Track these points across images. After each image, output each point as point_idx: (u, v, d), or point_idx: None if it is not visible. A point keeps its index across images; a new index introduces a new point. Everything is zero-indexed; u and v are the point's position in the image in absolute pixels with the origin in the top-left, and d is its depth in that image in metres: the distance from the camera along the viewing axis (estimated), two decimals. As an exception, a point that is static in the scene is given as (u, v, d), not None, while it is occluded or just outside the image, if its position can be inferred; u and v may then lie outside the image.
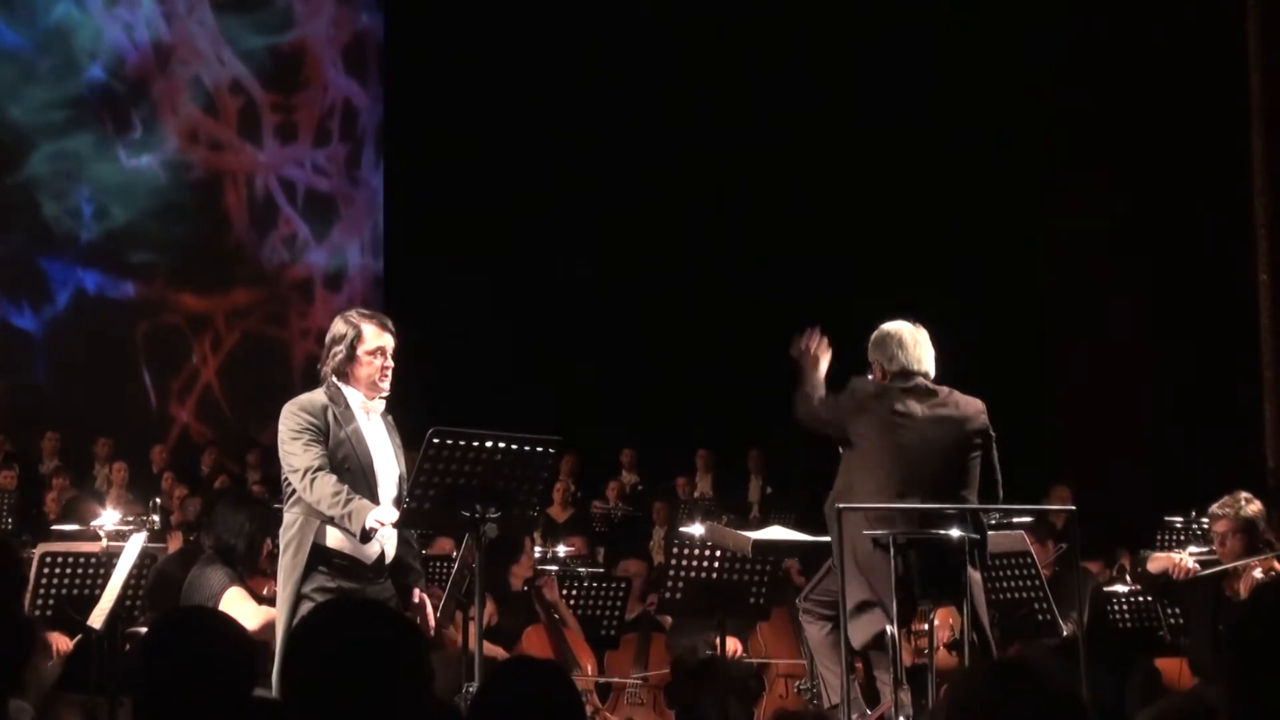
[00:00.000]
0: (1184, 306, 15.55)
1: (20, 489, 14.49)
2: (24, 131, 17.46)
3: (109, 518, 8.04)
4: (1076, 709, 3.04)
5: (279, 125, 19.31)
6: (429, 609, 6.78)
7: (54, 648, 7.91)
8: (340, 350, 6.60)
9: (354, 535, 6.33)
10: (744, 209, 18.24)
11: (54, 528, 9.79)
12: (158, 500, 13.33)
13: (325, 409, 6.52)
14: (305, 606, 6.34)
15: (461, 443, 6.16)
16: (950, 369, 7.05)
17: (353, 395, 6.60)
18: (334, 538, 6.43)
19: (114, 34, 18.13)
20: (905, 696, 6.78)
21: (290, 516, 6.52)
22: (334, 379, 6.62)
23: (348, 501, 6.30)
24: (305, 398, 6.61)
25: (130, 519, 8.57)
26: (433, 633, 7.04)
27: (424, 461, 6.15)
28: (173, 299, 18.45)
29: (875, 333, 7.07)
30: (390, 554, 6.57)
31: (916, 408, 6.82)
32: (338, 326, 6.67)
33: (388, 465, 6.63)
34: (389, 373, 6.63)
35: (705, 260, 18.11)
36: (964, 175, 17.18)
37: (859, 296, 14.12)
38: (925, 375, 6.95)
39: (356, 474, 6.47)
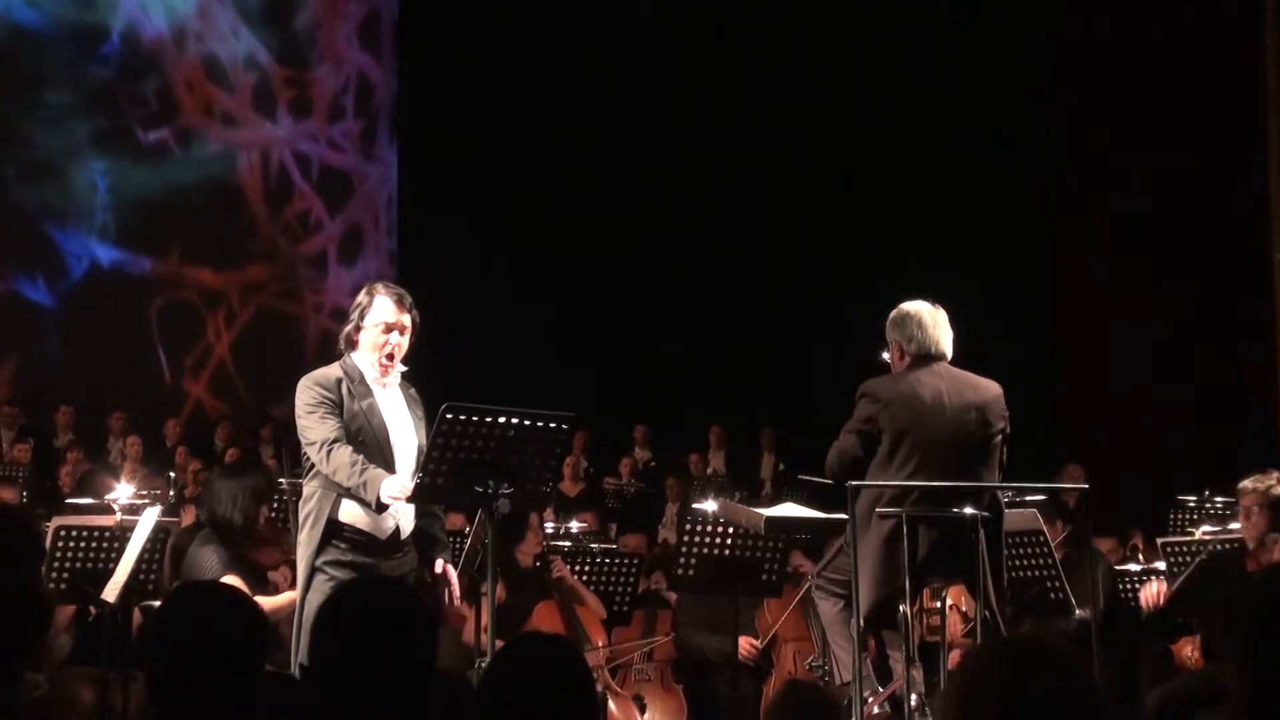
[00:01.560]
0: (1198, 286, 15.53)
1: (35, 462, 14.52)
2: (40, 106, 17.46)
3: (123, 491, 8.05)
4: (1088, 688, 3.04)
5: (293, 101, 19.31)
6: (453, 580, 6.75)
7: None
8: (353, 318, 6.63)
9: (370, 505, 6.34)
10: (757, 193, 18.22)
11: (68, 501, 9.81)
12: (173, 475, 13.39)
13: (340, 382, 6.52)
14: (319, 579, 6.38)
15: (474, 418, 6.16)
16: (963, 348, 7.02)
17: (366, 367, 6.60)
18: (349, 512, 6.43)
19: (130, 10, 18.13)
20: (917, 674, 6.78)
21: (309, 490, 6.54)
22: (346, 350, 6.64)
23: (363, 471, 6.31)
24: (320, 372, 6.61)
25: (145, 493, 8.59)
26: (457, 602, 7.01)
27: (437, 437, 6.15)
28: (187, 274, 18.47)
29: (895, 312, 7.01)
30: (407, 529, 6.56)
31: (940, 394, 6.77)
32: (359, 295, 6.71)
33: (405, 437, 6.61)
34: (399, 349, 6.61)
35: (720, 235, 18.10)
36: (982, 152, 17.18)
37: (875, 270, 14.14)
38: (944, 357, 6.92)
39: (371, 446, 6.46)
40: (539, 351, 17.54)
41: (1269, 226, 14.80)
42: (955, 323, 7.01)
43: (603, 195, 18.13)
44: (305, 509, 6.54)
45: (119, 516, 7.47)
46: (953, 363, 6.96)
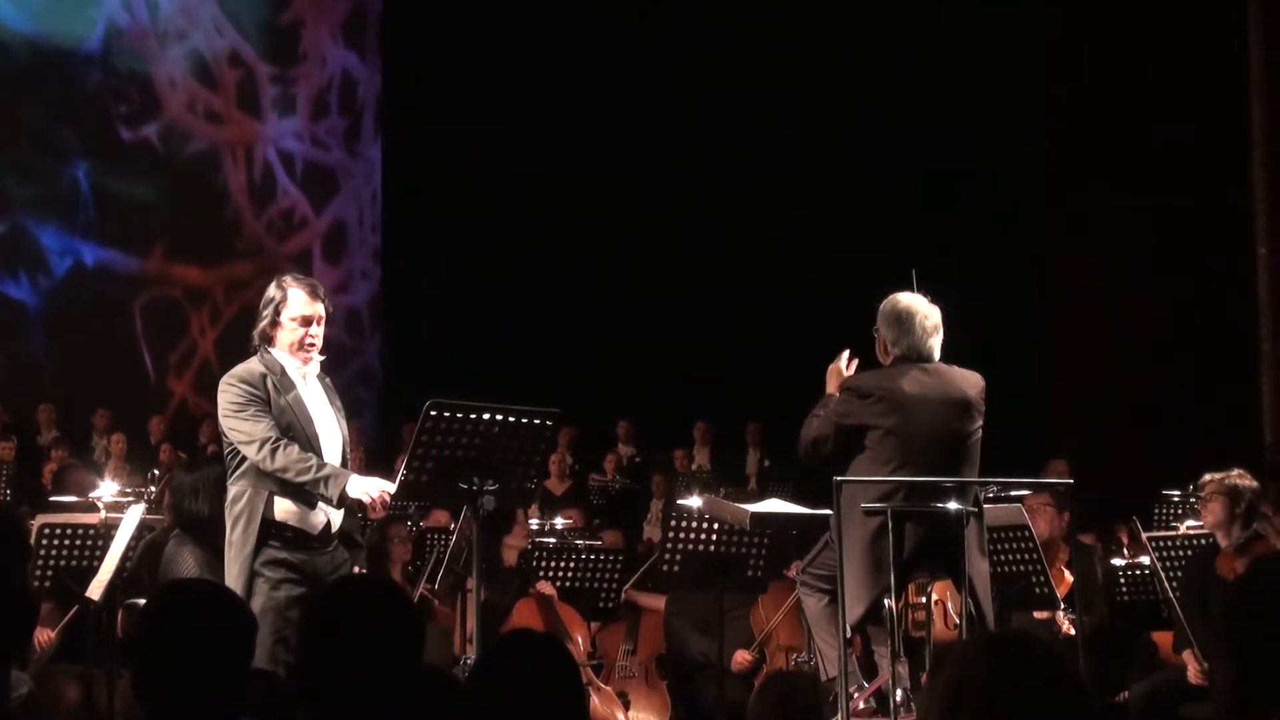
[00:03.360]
0: (1183, 280, 15.57)
1: (18, 460, 14.49)
2: (22, 102, 17.40)
3: (107, 489, 8.02)
4: (1074, 682, 3.04)
5: (278, 98, 19.29)
6: None
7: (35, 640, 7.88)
8: (267, 314, 6.54)
9: (330, 502, 6.30)
10: (749, 187, 18.22)
11: (53, 499, 9.79)
12: (155, 472, 13.35)
13: (264, 377, 6.45)
14: (260, 584, 6.31)
15: (459, 415, 6.15)
16: (951, 342, 6.97)
17: (287, 360, 6.52)
18: (281, 509, 6.37)
19: (113, 7, 18.08)
20: (903, 669, 6.78)
21: (236, 489, 6.44)
22: (262, 345, 6.55)
23: (320, 467, 6.28)
24: (242, 368, 6.51)
25: (128, 490, 8.56)
26: None
27: (421, 434, 6.13)
28: (171, 271, 18.44)
29: (888, 304, 6.87)
30: (337, 523, 6.50)
31: (926, 391, 6.72)
32: (269, 290, 6.59)
33: (330, 429, 6.56)
34: (315, 340, 6.54)
35: (706, 233, 18.11)
36: (968, 155, 17.21)
37: (862, 266, 14.15)
38: (929, 360, 6.81)
39: (300, 440, 6.40)
40: (523, 347, 17.54)
41: (1253, 221, 14.85)
42: (945, 317, 6.91)
43: (589, 191, 18.13)
44: (234, 510, 6.43)
45: (103, 514, 7.45)
46: (943, 353, 6.89)
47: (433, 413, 6.11)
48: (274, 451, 6.30)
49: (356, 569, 6.65)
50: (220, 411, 6.50)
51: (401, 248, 19.14)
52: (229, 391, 6.45)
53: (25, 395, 16.69)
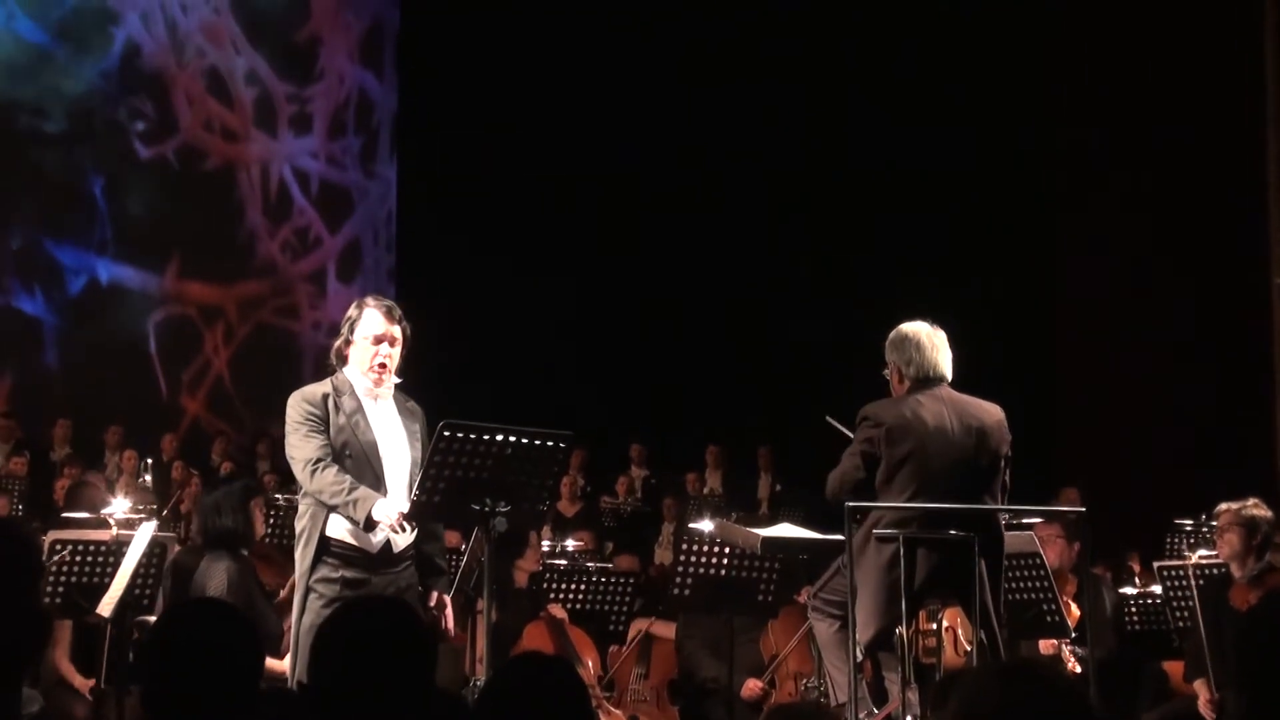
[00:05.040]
0: (1198, 310, 15.53)
1: (31, 475, 14.50)
2: (40, 119, 17.45)
3: (119, 505, 8.04)
4: (1084, 711, 3.03)
5: (294, 116, 19.32)
6: (449, 612, 6.72)
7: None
8: (343, 332, 6.66)
9: (358, 524, 6.33)
10: (757, 212, 18.24)
11: (64, 515, 9.79)
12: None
13: (326, 397, 6.52)
14: (311, 599, 6.38)
15: (472, 436, 6.15)
16: (963, 370, 7.00)
17: (357, 380, 6.60)
18: (338, 527, 6.43)
19: (131, 23, 18.13)
20: (913, 695, 6.76)
21: (302, 506, 6.56)
22: (338, 365, 6.65)
23: (351, 490, 6.31)
24: (308, 388, 6.61)
25: (140, 507, 8.57)
26: (451, 636, 6.98)
27: (434, 454, 6.13)
28: (185, 289, 18.45)
29: (893, 333, 6.99)
30: (401, 544, 6.52)
31: (939, 418, 6.75)
32: (350, 309, 6.72)
33: (396, 450, 6.59)
34: (388, 361, 6.59)
35: (718, 256, 18.11)
36: (986, 182, 17.22)
37: (875, 294, 14.14)
38: (943, 380, 6.89)
39: (359, 460, 6.46)
40: (537, 369, 17.54)
41: (1269, 251, 14.82)
42: (954, 344, 6.99)
43: (602, 213, 18.15)
44: (300, 525, 6.55)
45: (115, 531, 7.46)
46: (952, 384, 6.94)
47: (446, 433, 6.12)
48: (313, 473, 6.40)
49: (435, 594, 6.68)
50: (286, 427, 6.60)
51: (416, 268, 19.16)
52: (290, 409, 6.58)
53: (38, 411, 16.71)
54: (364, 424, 6.54)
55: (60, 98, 17.55)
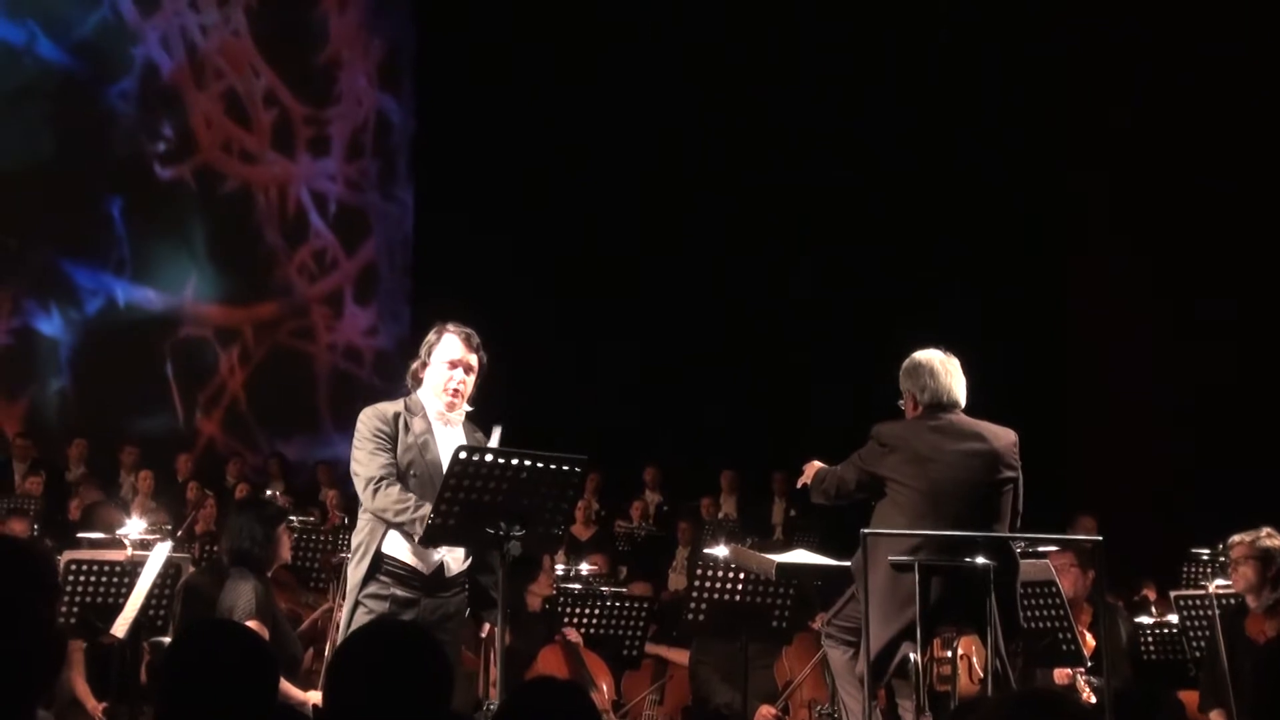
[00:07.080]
0: (1211, 337, 15.51)
1: (46, 495, 14.52)
2: (58, 141, 17.50)
3: (134, 526, 8.04)
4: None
5: (312, 138, 19.37)
6: (495, 645, 6.71)
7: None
8: (421, 355, 6.75)
9: (419, 542, 6.36)
10: (770, 236, 18.26)
11: (79, 535, 9.81)
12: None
13: (397, 416, 6.59)
14: (359, 613, 6.42)
15: (487, 459, 6.15)
16: (978, 398, 7.01)
17: (430, 402, 6.66)
18: (393, 545, 6.46)
19: (151, 44, 18.20)
20: (927, 723, 6.75)
21: (361, 521, 6.59)
22: (413, 386, 6.72)
23: (417, 507, 6.34)
24: (381, 405, 6.70)
25: (155, 527, 8.57)
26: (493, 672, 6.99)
27: (449, 477, 6.12)
28: (202, 310, 18.49)
29: (907, 361, 7.02)
30: (455, 568, 6.55)
31: (947, 443, 6.77)
32: (430, 334, 6.82)
33: None
34: (462, 387, 6.68)
35: (732, 281, 18.13)
36: (995, 208, 17.24)
37: (889, 321, 14.15)
38: (956, 405, 6.90)
39: (423, 480, 6.49)
40: (552, 392, 17.53)
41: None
42: (968, 371, 7.01)
43: (619, 236, 18.16)
44: (356, 539, 6.59)
45: (129, 551, 7.47)
46: (967, 410, 6.94)
47: (461, 456, 6.12)
48: (375, 492, 6.44)
49: (486, 626, 6.77)
50: (354, 440, 6.64)
51: (433, 290, 19.17)
52: (360, 423, 6.63)
53: (54, 431, 16.74)
54: (432, 446, 6.59)
55: (79, 118, 17.60)
